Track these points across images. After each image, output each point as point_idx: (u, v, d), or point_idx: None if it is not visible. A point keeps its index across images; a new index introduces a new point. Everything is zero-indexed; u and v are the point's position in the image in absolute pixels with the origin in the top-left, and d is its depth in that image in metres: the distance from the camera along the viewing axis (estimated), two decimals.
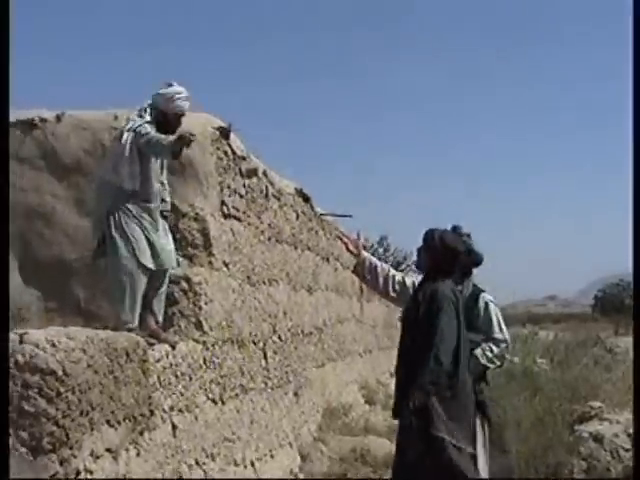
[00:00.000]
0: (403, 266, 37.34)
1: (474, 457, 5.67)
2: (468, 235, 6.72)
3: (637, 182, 5.64)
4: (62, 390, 4.29)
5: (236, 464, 7.60)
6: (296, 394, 10.41)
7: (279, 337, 9.61)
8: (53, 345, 4.34)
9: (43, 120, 7.89)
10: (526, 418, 7.90)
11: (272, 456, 8.74)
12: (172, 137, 5.97)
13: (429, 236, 6.06)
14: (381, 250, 41.19)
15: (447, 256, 5.93)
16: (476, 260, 6.77)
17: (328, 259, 13.57)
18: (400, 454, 5.88)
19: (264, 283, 9.20)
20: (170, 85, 6.32)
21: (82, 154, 7.76)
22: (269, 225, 9.66)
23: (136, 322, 6.09)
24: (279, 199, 10.33)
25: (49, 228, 7.74)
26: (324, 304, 12.89)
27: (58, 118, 7.88)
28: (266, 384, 8.93)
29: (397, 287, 6.66)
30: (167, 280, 6.41)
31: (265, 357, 8.97)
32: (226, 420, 7.46)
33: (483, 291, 6.81)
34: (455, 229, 6.61)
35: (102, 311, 7.41)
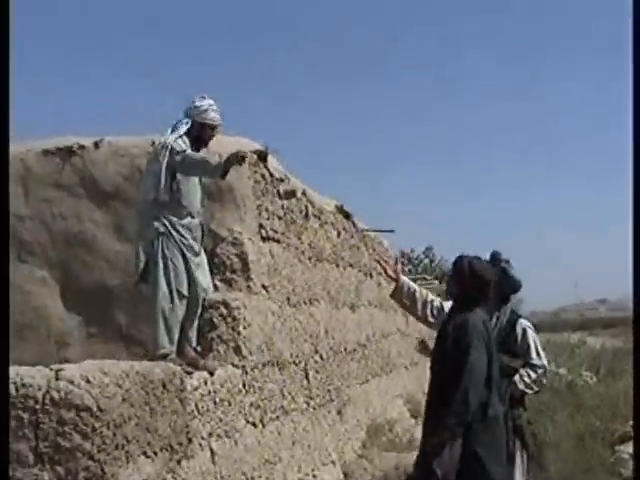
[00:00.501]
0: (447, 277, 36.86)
1: None
2: (507, 261, 6.68)
3: (637, 187, 5.55)
4: (97, 425, 4.36)
5: None
6: (339, 412, 10.41)
7: (320, 356, 9.63)
8: (88, 381, 4.40)
9: (81, 147, 8.01)
10: (567, 438, 7.82)
11: (314, 476, 8.75)
12: (218, 158, 6.07)
13: (458, 263, 5.95)
14: (427, 261, 40.93)
15: (475, 284, 5.78)
16: (514, 286, 6.72)
17: (371, 275, 13.57)
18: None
19: (305, 303, 9.22)
20: (203, 98, 6.44)
21: (120, 180, 7.87)
22: (309, 245, 9.69)
23: (174, 349, 6.15)
24: (319, 218, 10.36)
25: (90, 255, 7.85)
26: (367, 320, 12.88)
27: (96, 145, 8.00)
28: (308, 404, 8.94)
29: (435, 312, 6.64)
30: (200, 308, 6.46)
31: (307, 377, 8.99)
32: (267, 443, 7.48)
33: (520, 317, 6.79)
34: (494, 255, 6.57)
35: (143, 336, 7.49)
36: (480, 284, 5.80)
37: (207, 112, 6.37)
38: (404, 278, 6.87)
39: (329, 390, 9.94)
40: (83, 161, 7.98)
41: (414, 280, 20.16)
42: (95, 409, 4.36)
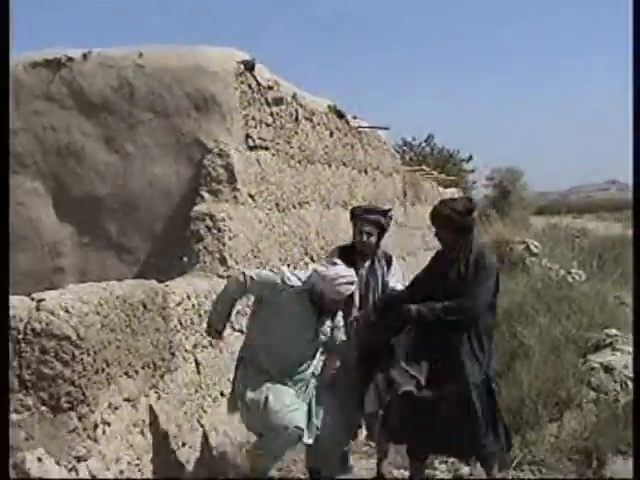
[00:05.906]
0: (449, 165, 36.81)
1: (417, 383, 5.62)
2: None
3: (637, 183, 5.65)
4: (77, 353, 4.58)
5: None
6: None
7: (311, 258, 9.84)
8: (67, 311, 4.62)
9: (70, 59, 8.08)
10: (542, 347, 8.03)
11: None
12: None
13: (439, 215, 5.85)
14: (428, 149, 40.70)
15: (467, 218, 5.76)
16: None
17: (366, 171, 13.63)
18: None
19: (294, 207, 9.38)
20: (334, 264, 5.68)
21: (109, 92, 7.97)
22: (299, 148, 9.79)
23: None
24: (311, 120, 10.43)
25: (80, 166, 8.01)
26: None
27: (84, 56, 8.07)
28: None
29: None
30: None
31: None
32: None
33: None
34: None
35: (132, 244, 7.74)
36: (469, 215, 5.80)
37: (332, 283, 5.47)
38: None
39: None
40: (72, 73, 8.05)
41: (415, 171, 20.23)
42: (75, 338, 4.57)
